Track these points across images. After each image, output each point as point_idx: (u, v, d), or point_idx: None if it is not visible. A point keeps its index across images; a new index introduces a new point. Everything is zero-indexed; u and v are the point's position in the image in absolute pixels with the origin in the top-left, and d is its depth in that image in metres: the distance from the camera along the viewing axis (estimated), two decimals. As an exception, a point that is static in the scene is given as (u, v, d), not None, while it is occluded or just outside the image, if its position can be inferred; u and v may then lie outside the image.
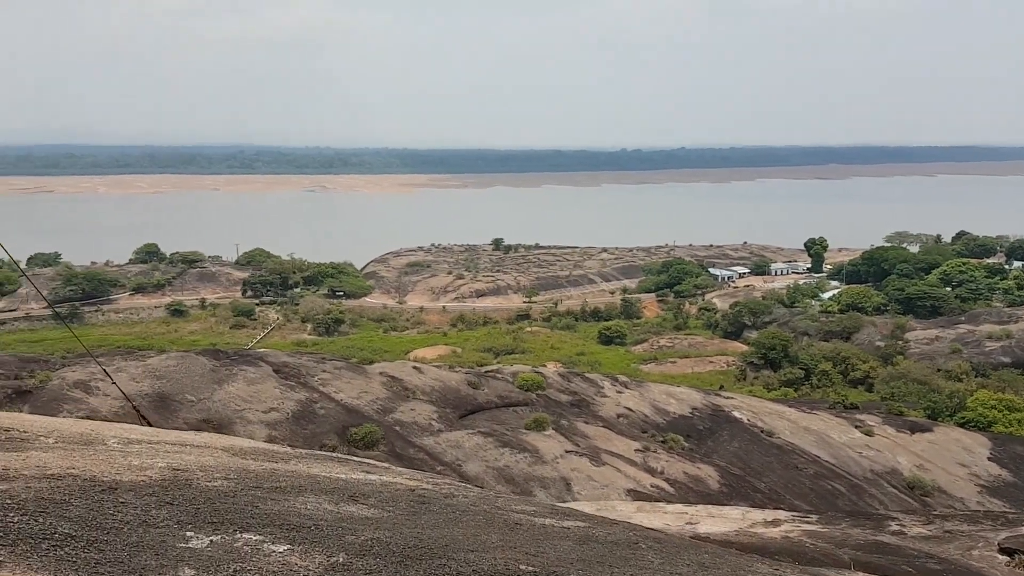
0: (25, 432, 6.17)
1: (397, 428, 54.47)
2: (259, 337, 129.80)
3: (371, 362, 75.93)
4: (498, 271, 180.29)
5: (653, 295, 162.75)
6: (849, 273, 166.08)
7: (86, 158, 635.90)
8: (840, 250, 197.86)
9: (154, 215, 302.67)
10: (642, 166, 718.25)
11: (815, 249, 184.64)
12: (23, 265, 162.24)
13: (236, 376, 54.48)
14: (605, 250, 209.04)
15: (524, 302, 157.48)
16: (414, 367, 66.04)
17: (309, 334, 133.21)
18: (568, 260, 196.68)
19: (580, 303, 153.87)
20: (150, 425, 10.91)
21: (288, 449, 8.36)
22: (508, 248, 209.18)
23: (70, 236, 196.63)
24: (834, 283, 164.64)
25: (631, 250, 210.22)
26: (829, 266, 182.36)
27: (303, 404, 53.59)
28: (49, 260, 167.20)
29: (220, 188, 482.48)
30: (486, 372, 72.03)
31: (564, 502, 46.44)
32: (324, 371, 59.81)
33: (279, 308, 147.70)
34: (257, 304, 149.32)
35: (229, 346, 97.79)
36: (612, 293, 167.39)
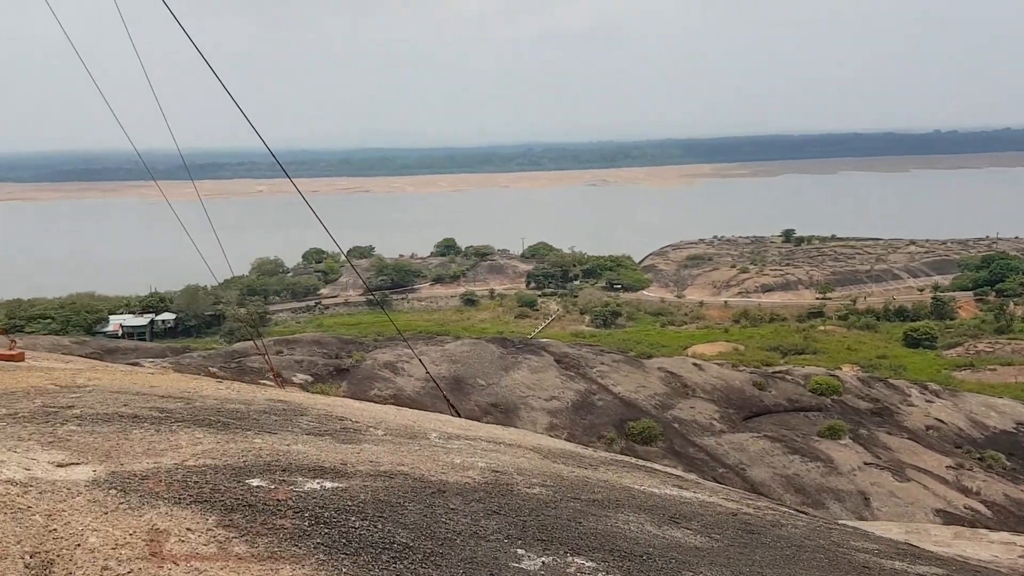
0: (356, 422, 6.53)
1: (676, 425, 53.53)
2: (540, 327, 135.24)
3: (649, 356, 75.50)
4: (788, 264, 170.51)
5: (970, 294, 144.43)
6: None
7: (397, 160, 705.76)
8: None
9: (452, 212, 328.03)
10: (957, 149, 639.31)
11: None
12: (343, 257, 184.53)
13: (521, 364, 57.04)
14: (913, 243, 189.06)
15: (817, 298, 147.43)
16: (694, 364, 64.43)
17: (587, 325, 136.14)
18: (869, 253, 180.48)
19: (882, 301, 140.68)
20: (458, 414, 11.34)
21: (592, 452, 8.14)
22: (800, 240, 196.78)
23: (382, 231, 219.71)
24: None
25: (944, 243, 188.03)
26: None
27: (582, 394, 54.70)
28: (365, 252, 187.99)
29: (509, 185, 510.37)
30: (773, 373, 68.58)
31: (862, 518, 42.43)
32: (603, 363, 60.55)
33: (559, 299, 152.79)
34: (539, 295, 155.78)
35: (514, 335, 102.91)
36: (920, 290, 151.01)
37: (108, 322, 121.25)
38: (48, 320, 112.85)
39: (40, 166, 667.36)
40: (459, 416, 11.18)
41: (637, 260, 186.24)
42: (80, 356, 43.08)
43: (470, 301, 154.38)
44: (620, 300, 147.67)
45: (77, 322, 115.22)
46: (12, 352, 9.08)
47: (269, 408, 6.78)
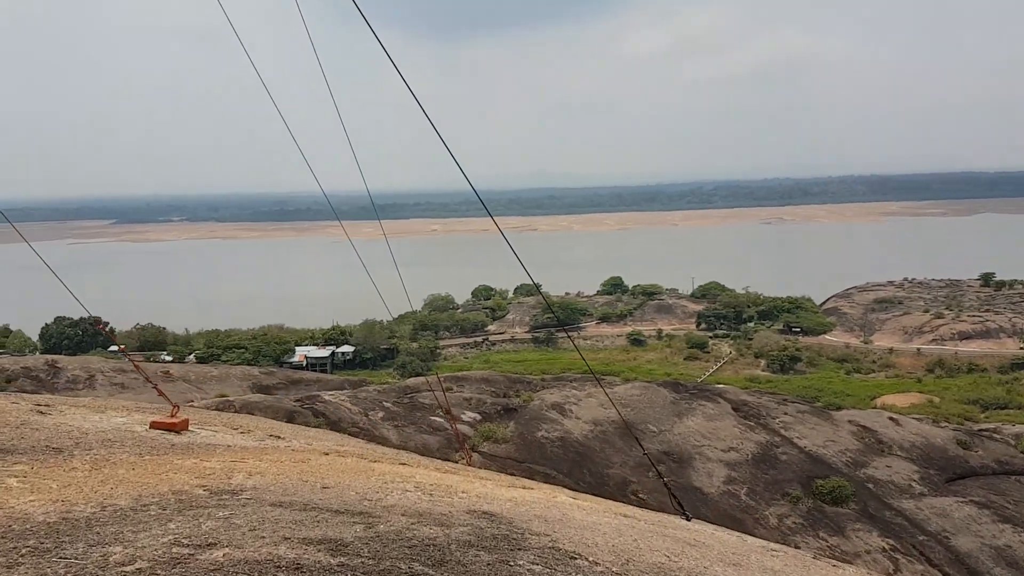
0: (595, 563, 5.02)
1: (870, 485, 48.66)
2: (712, 370, 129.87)
3: (837, 407, 69.93)
4: (987, 310, 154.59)
5: None
6: None
7: (564, 199, 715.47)
8: None
9: (618, 250, 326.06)
10: None
11: None
12: (510, 294, 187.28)
13: (695, 410, 54.19)
14: None
15: (1021, 348, 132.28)
16: (890, 418, 58.74)
17: (763, 370, 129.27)
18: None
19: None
20: (682, 507, 9.89)
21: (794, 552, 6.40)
22: (1000, 284, 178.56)
23: (548, 269, 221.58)
24: None
25: None
26: None
27: (763, 447, 51.00)
28: (531, 290, 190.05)
29: (678, 223, 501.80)
30: (979, 430, 61.46)
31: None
32: (786, 413, 56.45)
33: (732, 342, 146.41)
34: (711, 337, 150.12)
35: (683, 377, 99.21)
36: None
37: (294, 353, 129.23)
38: (242, 350, 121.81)
39: (240, 206, 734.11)
40: (683, 511, 9.68)
41: (818, 302, 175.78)
42: (258, 412, 44.70)
43: (637, 341, 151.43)
44: (799, 344, 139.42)
45: (267, 352, 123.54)
46: (174, 420, 8.33)
47: (474, 535, 5.34)
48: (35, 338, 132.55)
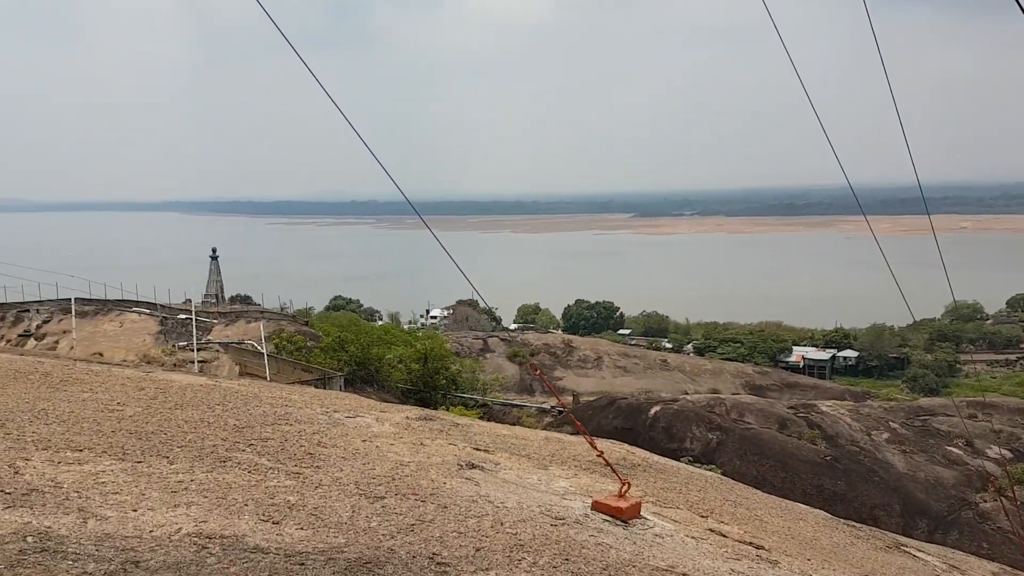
0: None
1: None
2: None
3: None
4: None
5: None
6: None
7: None
8: None
9: None
10: None
11: None
12: None
13: None
14: None
15: None
16: None
17: None
18: None
19: None
20: None
21: None
22: None
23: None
24: None
25: None
26: None
27: None
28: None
29: None
30: None
31: None
32: None
33: None
34: None
35: None
36: None
37: (791, 352, 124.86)
38: (737, 344, 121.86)
39: (748, 200, 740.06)
40: None
41: None
42: (748, 414, 42.75)
43: None
44: None
45: (763, 349, 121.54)
46: (621, 504, 6.17)
47: None
48: (558, 316, 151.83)
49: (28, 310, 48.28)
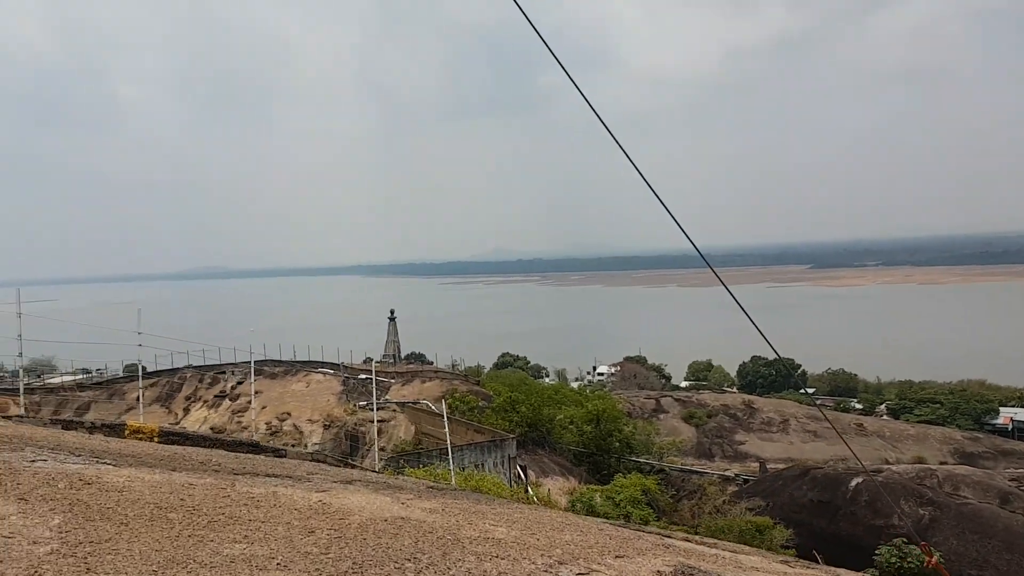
0: None
1: None
2: None
3: None
4: None
5: None
6: None
7: None
8: None
9: None
10: None
11: None
12: None
13: None
14: None
15: None
16: None
17: None
18: None
19: None
20: None
21: None
22: None
23: None
24: None
25: None
26: None
27: None
28: None
29: None
30: None
31: None
32: None
33: None
34: None
35: None
36: None
37: (998, 414, 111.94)
38: (936, 404, 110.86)
39: (939, 249, 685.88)
40: None
41: None
42: (964, 487, 37.85)
43: None
44: None
45: (965, 410, 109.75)
46: None
47: None
48: (733, 374, 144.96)
49: (224, 372, 51.91)
